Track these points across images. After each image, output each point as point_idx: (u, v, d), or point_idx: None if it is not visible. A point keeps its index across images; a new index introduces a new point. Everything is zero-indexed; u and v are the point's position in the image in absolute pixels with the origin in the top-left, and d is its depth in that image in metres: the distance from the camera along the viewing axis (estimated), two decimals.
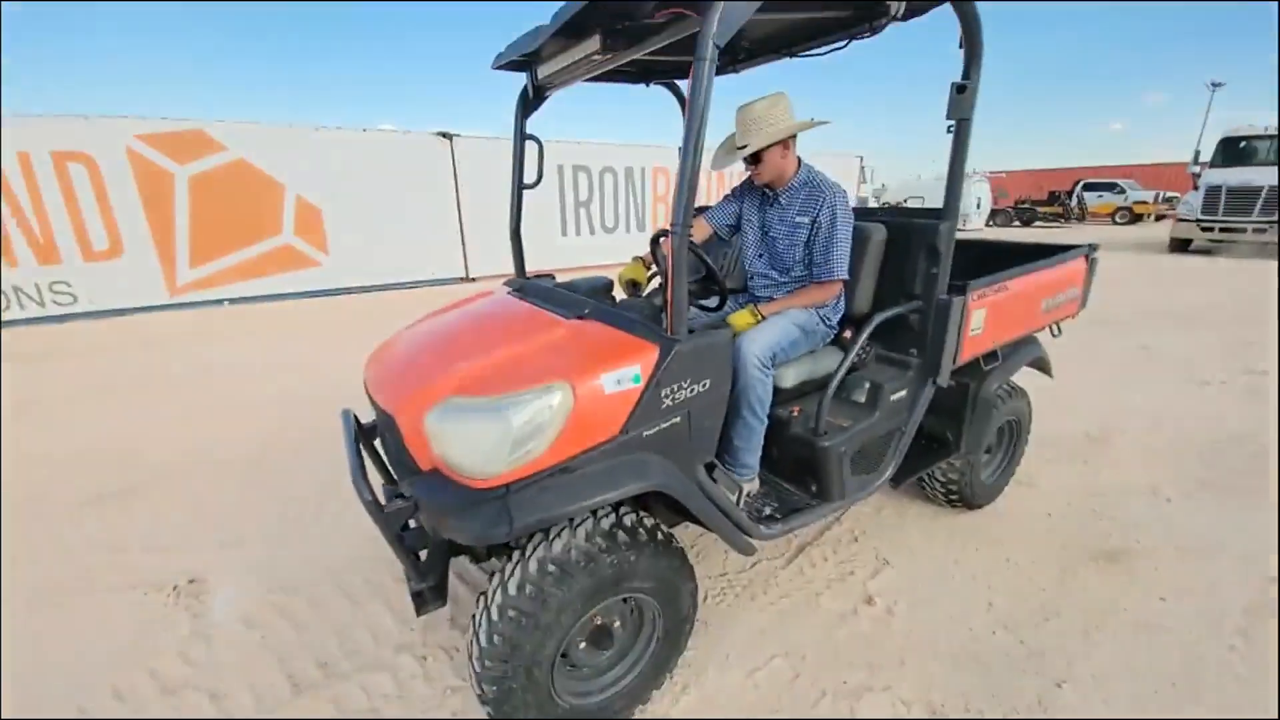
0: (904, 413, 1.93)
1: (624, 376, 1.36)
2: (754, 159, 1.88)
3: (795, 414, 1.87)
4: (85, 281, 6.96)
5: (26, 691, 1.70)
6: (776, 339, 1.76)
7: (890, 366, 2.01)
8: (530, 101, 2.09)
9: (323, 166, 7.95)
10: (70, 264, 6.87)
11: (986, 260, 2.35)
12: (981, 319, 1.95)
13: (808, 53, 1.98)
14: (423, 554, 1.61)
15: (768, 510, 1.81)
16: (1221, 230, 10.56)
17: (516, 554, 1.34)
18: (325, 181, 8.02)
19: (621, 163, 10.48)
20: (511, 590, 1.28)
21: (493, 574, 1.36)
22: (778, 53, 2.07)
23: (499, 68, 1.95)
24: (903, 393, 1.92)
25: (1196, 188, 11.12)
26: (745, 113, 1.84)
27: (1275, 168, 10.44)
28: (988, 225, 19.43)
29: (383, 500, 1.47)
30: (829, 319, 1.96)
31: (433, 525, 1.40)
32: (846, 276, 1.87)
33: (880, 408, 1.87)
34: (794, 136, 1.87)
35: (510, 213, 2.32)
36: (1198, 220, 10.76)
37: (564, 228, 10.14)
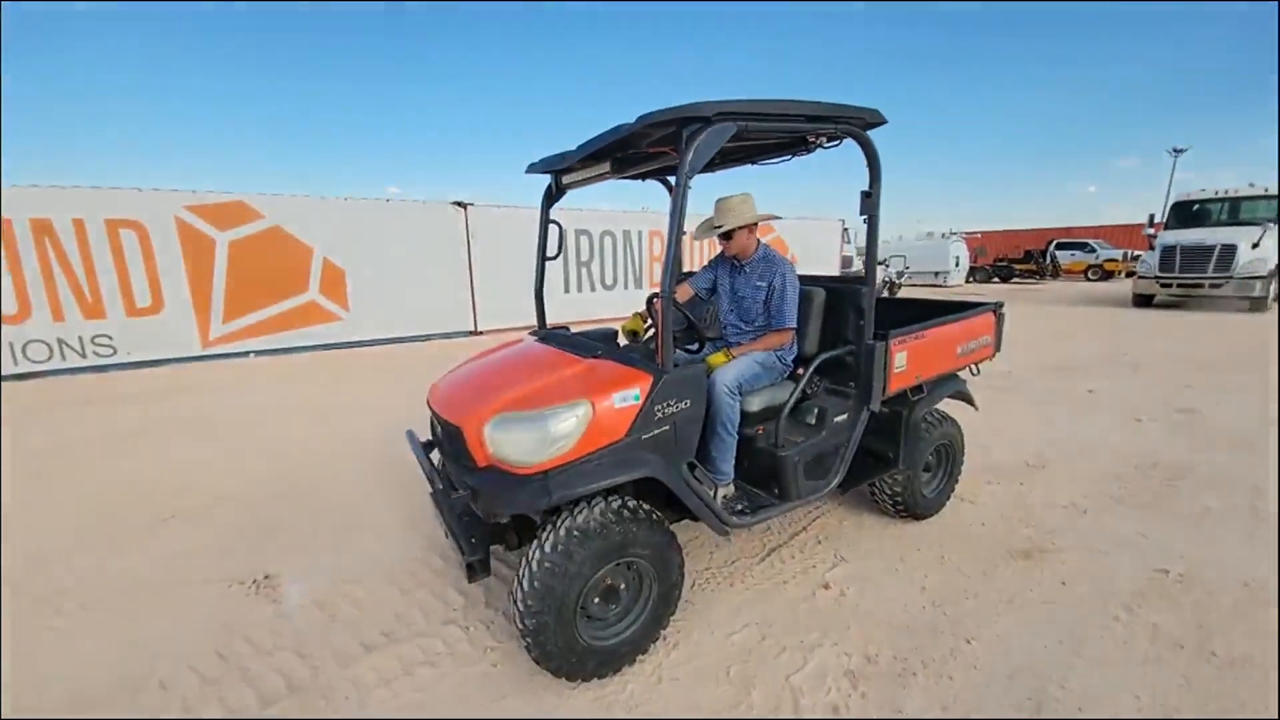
0: (846, 432, 2.46)
1: (628, 396, 1.90)
2: (726, 236, 2.51)
3: (760, 432, 2.41)
4: (126, 335, 7.57)
5: (146, 654, 2.12)
6: (742, 372, 2.32)
7: (835, 396, 2.56)
8: (554, 195, 2.74)
9: (348, 231, 8.77)
10: (113, 319, 7.50)
11: (922, 314, 2.92)
12: (904, 359, 2.52)
13: (763, 163, 2.66)
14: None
15: (740, 507, 2.30)
16: (1179, 286, 11.44)
17: (549, 525, 1.83)
18: (350, 244, 8.81)
19: (620, 227, 11.40)
20: (547, 549, 1.77)
21: (530, 545, 1.84)
22: (740, 162, 2.75)
23: (531, 172, 2.61)
24: (844, 416, 2.46)
25: (1153, 248, 12.10)
26: (723, 203, 2.50)
27: (1224, 228, 11.46)
28: (967, 281, 20.43)
29: None
30: (785, 359, 2.53)
31: (487, 507, 1.89)
32: (795, 325, 2.45)
33: (826, 427, 2.40)
34: (756, 224, 2.51)
35: (535, 278, 2.94)
36: (1156, 277, 11.67)
37: (566, 285, 10.93)
